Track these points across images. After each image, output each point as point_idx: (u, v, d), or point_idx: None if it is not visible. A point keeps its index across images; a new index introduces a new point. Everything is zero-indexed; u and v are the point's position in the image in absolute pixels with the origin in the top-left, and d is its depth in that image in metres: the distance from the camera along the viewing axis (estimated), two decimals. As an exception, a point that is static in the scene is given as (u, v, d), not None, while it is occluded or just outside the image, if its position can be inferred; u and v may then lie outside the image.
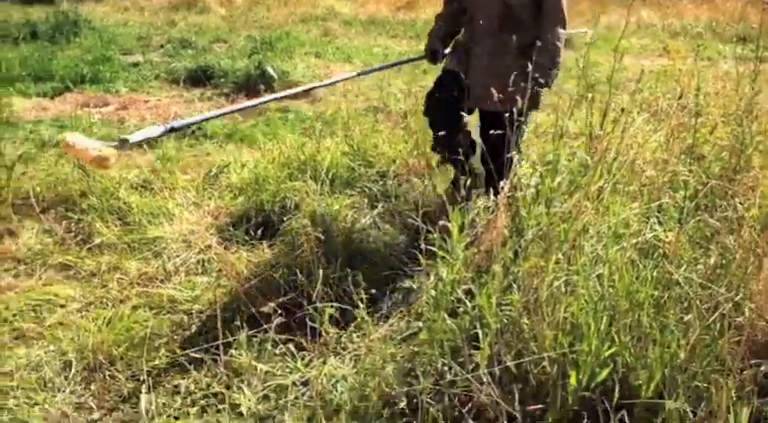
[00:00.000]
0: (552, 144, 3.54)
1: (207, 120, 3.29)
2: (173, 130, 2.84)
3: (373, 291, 2.97)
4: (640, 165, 3.42)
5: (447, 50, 3.98)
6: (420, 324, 2.94)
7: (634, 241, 2.81)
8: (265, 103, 3.61)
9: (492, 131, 3.17)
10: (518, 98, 2.96)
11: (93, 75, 7.71)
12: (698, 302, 2.45)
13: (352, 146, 4.86)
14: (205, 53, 9.27)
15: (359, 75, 4.37)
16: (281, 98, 3.77)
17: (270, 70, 7.57)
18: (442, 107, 3.78)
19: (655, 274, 2.63)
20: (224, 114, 3.80)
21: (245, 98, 7.24)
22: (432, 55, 3.96)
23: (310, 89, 3.74)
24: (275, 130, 5.93)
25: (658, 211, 3.27)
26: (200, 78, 7.86)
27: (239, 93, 7.43)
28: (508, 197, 2.92)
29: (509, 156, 3.01)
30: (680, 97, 3.89)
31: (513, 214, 3.03)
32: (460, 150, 3.70)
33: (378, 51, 9.81)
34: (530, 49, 3.26)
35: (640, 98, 4.52)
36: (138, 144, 2.97)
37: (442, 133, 3.71)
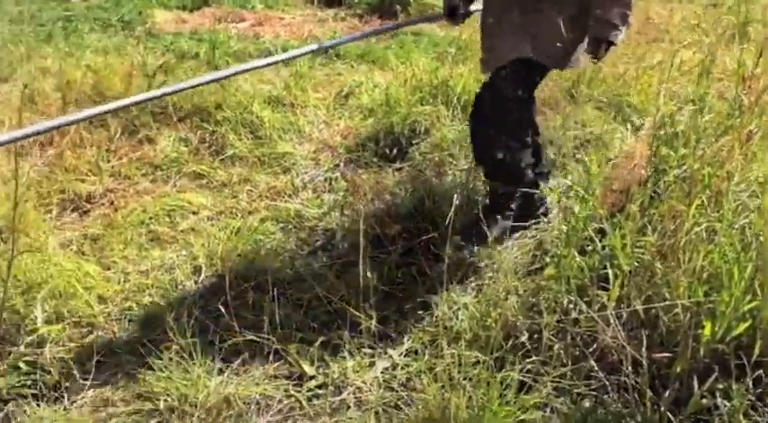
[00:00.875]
0: (700, 82, 3.34)
1: (43, 132, 2.35)
2: None
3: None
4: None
5: (472, 8, 3.34)
6: (547, 259, 2.87)
7: (786, 192, 2.62)
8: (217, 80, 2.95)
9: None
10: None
11: (231, -11, 7.78)
12: None
13: (486, 73, 4.73)
14: (340, -28, 9.17)
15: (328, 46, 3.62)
16: (241, 72, 3.20)
17: (406, -8, 7.40)
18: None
19: (806, 228, 2.46)
20: (80, 120, 2.69)
21: (379, 20, 7.15)
22: (450, 12, 3.32)
23: (262, 67, 3.08)
24: (408, 52, 5.83)
25: (814, 162, 3.04)
26: (334, -3, 7.80)
27: (373, 14, 7.31)
28: (650, 135, 2.77)
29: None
30: None
31: (653, 153, 2.88)
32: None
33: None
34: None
35: (801, 38, 4.18)
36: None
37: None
